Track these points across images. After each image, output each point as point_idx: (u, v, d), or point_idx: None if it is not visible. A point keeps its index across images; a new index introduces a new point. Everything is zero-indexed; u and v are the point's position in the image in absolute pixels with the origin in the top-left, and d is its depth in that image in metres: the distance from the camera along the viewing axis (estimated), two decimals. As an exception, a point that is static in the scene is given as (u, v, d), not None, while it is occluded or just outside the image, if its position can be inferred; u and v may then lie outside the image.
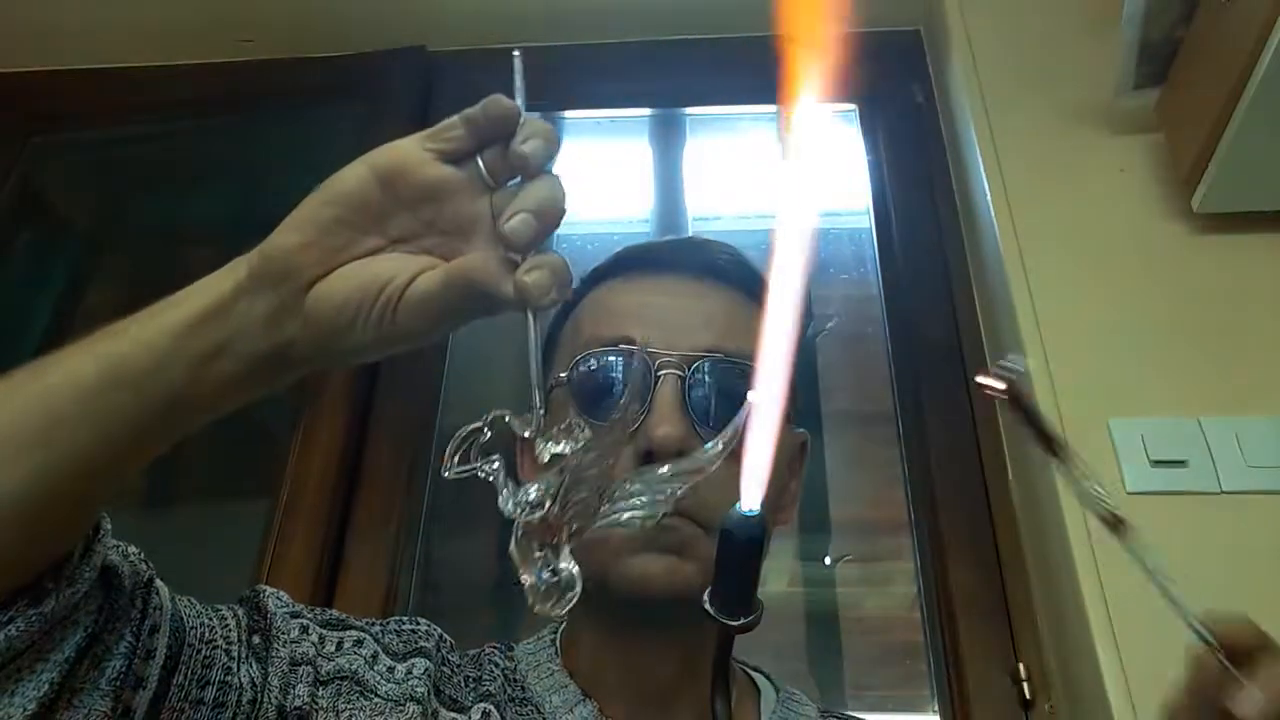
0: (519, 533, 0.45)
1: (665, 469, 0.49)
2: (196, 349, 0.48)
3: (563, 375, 0.72)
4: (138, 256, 1.79)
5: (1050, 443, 0.49)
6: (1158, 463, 1.03)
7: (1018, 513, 1.20)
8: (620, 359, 0.71)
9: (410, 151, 0.48)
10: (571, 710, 0.69)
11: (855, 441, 1.47)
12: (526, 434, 0.47)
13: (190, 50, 1.70)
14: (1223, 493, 1.01)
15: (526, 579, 0.45)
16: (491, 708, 0.68)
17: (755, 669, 0.80)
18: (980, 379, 0.49)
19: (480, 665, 0.72)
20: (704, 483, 0.62)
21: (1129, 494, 1.02)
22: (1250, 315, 1.12)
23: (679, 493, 0.48)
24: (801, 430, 0.80)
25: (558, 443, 0.46)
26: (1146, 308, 1.14)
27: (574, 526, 0.46)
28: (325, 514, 1.28)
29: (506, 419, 0.47)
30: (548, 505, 0.45)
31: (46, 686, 0.50)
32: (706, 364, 0.69)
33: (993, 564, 1.19)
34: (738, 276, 0.75)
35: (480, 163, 0.49)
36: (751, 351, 0.68)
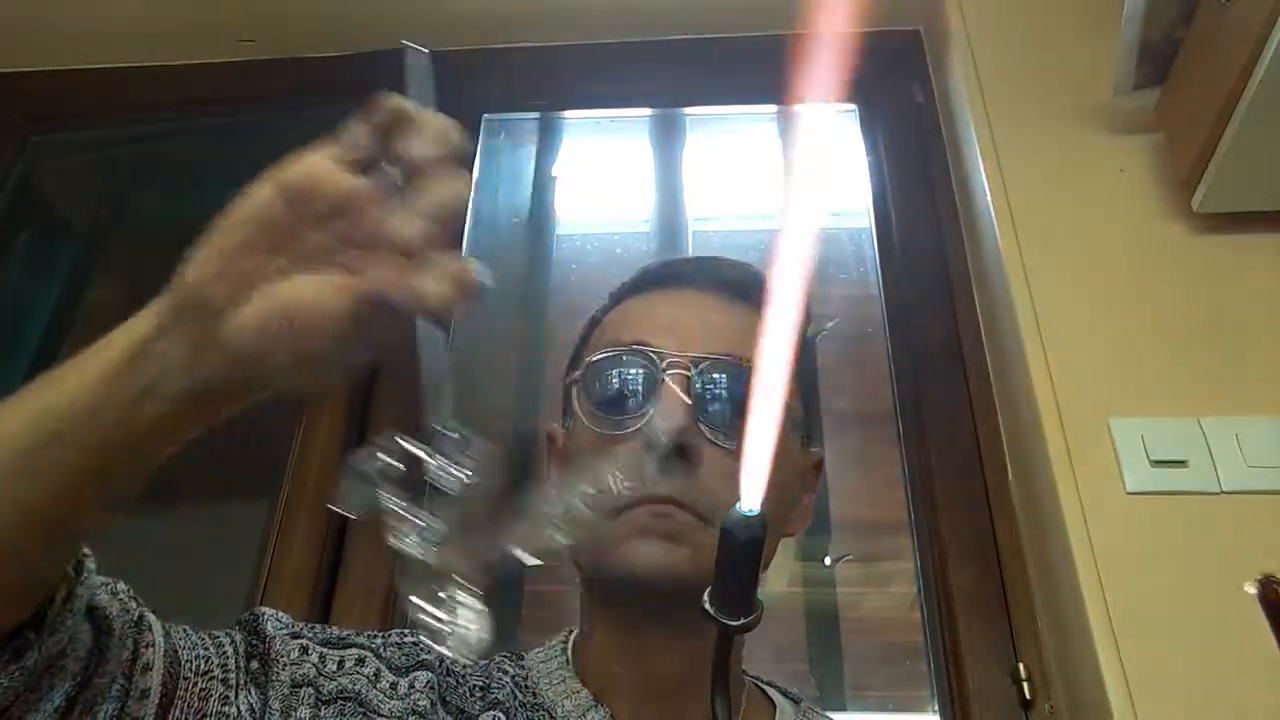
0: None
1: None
2: (122, 394, 0.46)
3: (576, 374, 0.75)
4: (138, 256, 1.78)
5: None
6: (1158, 463, 1.03)
7: (1018, 513, 1.20)
8: (631, 359, 0.73)
9: (316, 165, 0.46)
10: (584, 715, 0.69)
11: (855, 441, 1.47)
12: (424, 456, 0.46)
13: (190, 50, 1.70)
14: (1223, 493, 1.01)
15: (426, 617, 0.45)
16: (500, 715, 0.68)
17: (770, 683, 0.80)
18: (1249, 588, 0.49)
19: (489, 674, 0.72)
20: (705, 470, 0.67)
21: (1129, 494, 1.02)
22: (1250, 315, 1.12)
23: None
24: (818, 450, 0.81)
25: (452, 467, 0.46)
26: (1146, 308, 1.14)
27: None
28: (325, 514, 1.28)
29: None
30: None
31: None
32: (714, 365, 0.71)
33: (993, 564, 1.19)
34: (752, 293, 0.75)
35: (387, 169, 0.47)
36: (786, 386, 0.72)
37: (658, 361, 0.71)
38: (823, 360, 1.51)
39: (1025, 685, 1.10)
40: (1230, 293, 1.14)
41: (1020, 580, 1.16)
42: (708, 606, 0.48)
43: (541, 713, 0.69)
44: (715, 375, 0.71)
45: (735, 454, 0.64)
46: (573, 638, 0.77)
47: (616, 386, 0.73)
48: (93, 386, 0.46)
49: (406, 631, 0.73)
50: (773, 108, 1.73)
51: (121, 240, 1.84)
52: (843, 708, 1.28)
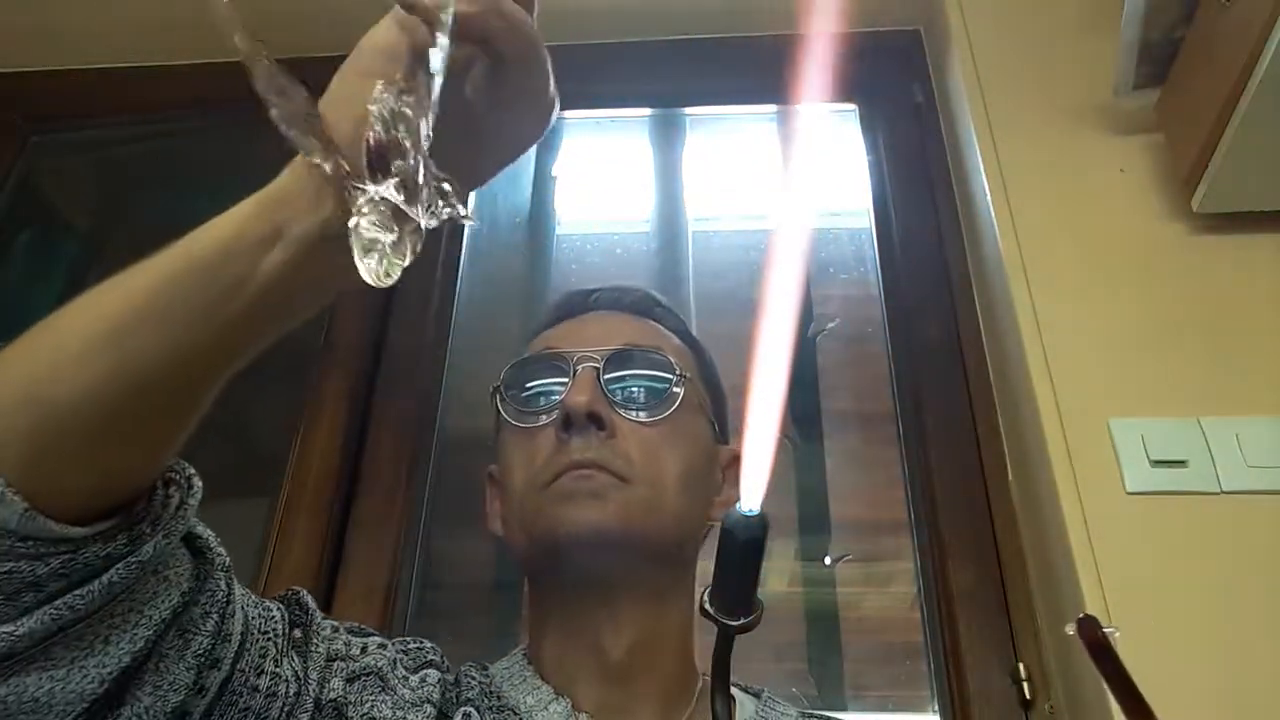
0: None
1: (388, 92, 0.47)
2: (256, 233, 0.48)
3: (497, 383, 0.82)
4: (138, 256, 1.78)
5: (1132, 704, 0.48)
6: (1158, 463, 1.03)
7: (1018, 513, 1.20)
8: (545, 361, 0.81)
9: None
10: (546, 708, 0.72)
11: (855, 441, 1.47)
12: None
13: (190, 50, 1.70)
14: (1223, 493, 1.01)
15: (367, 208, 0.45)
16: (473, 710, 0.71)
17: (739, 684, 0.82)
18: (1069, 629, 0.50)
19: (459, 681, 0.75)
20: (620, 439, 0.75)
21: (1129, 494, 1.02)
22: (1250, 315, 1.12)
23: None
24: (733, 446, 0.86)
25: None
26: (1146, 308, 1.14)
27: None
28: (325, 514, 1.28)
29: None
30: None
31: (141, 643, 0.52)
32: (620, 352, 0.79)
33: (993, 564, 1.19)
34: (654, 311, 0.87)
35: None
36: (661, 348, 0.80)
37: (569, 359, 0.79)
38: (823, 360, 1.51)
39: (1025, 685, 1.10)
40: (1230, 293, 1.14)
41: (1020, 580, 1.16)
42: (708, 607, 0.48)
43: (507, 712, 0.72)
44: (622, 361, 0.79)
45: (647, 426, 0.75)
46: (526, 648, 0.80)
47: (535, 384, 0.80)
48: (228, 230, 0.49)
49: (409, 639, 0.76)
50: (772, 108, 1.73)
51: (121, 240, 1.83)
52: (843, 708, 1.28)
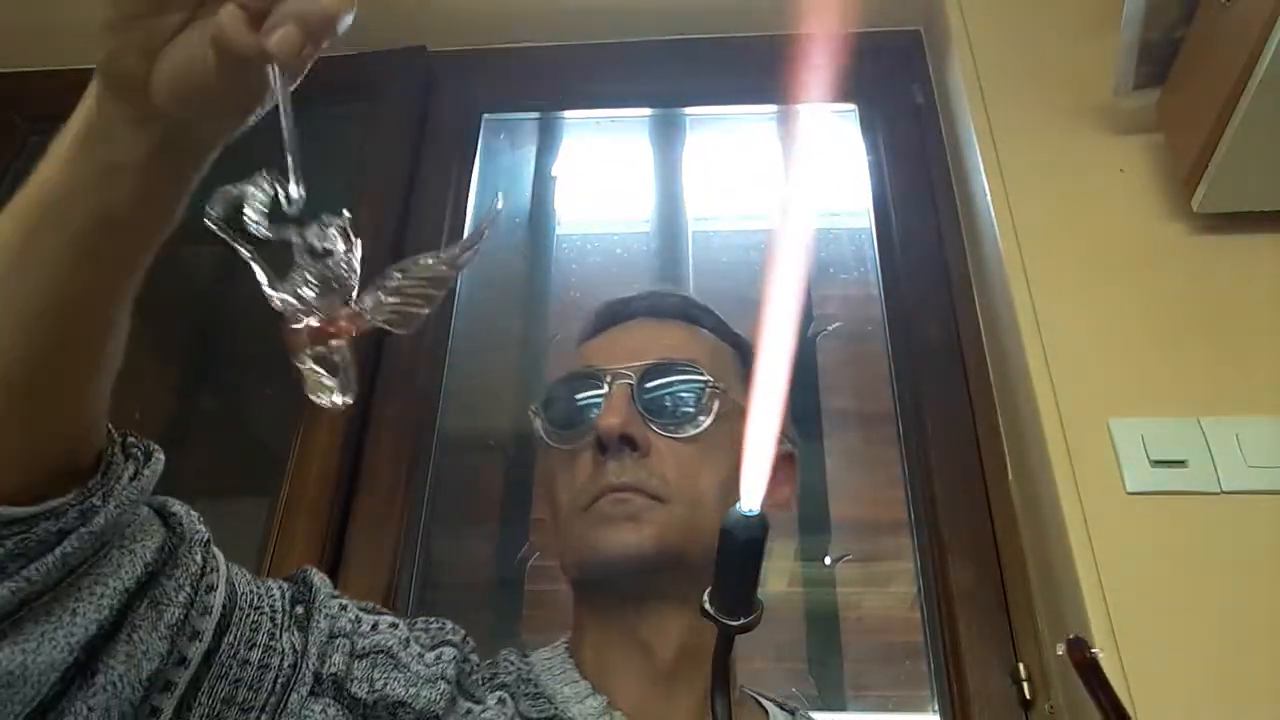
0: (293, 330, 0.49)
1: (398, 275, 0.52)
2: (90, 173, 0.49)
3: (536, 404, 0.83)
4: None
5: None
6: (1158, 463, 1.03)
7: (1018, 513, 1.20)
8: (581, 380, 0.80)
9: None
10: (583, 701, 0.73)
11: (855, 441, 1.47)
12: (286, 208, 0.49)
13: (190, 50, 1.70)
14: (1223, 493, 1.01)
15: (306, 368, 0.50)
16: (506, 695, 0.72)
17: (764, 695, 0.84)
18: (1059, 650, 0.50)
19: (495, 665, 0.76)
20: (656, 458, 0.75)
21: (1129, 494, 1.02)
22: (1250, 315, 1.12)
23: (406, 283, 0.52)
24: (784, 446, 0.85)
25: (319, 239, 0.49)
26: (1146, 308, 1.14)
27: (341, 323, 0.50)
28: (325, 514, 1.28)
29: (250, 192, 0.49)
30: (313, 307, 0.49)
31: (106, 611, 0.53)
32: (654, 368, 0.78)
33: (993, 564, 1.19)
34: (690, 313, 0.87)
35: None
36: (699, 360, 0.79)
37: (604, 376, 0.78)
38: (823, 360, 1.52)
39: (1025, 685, 1.10)
40: (1230, 293, 1.14)
41: (1020, 580, 1.16)
42: (707, 607, 0.48)
43: (543, 700, 0.73)
44: (656, 376, 0.78)
45: (683, 442, 0.75)
46: (570, 640, 0.81)
47: (570, 404, 0.80)
48: (61, 174, 0.50)
49: (431, 619, 0.77)
50: (773, 108, 1.73)
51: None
52: (843, 708, 1.28)
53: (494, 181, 1.73)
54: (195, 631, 0.58)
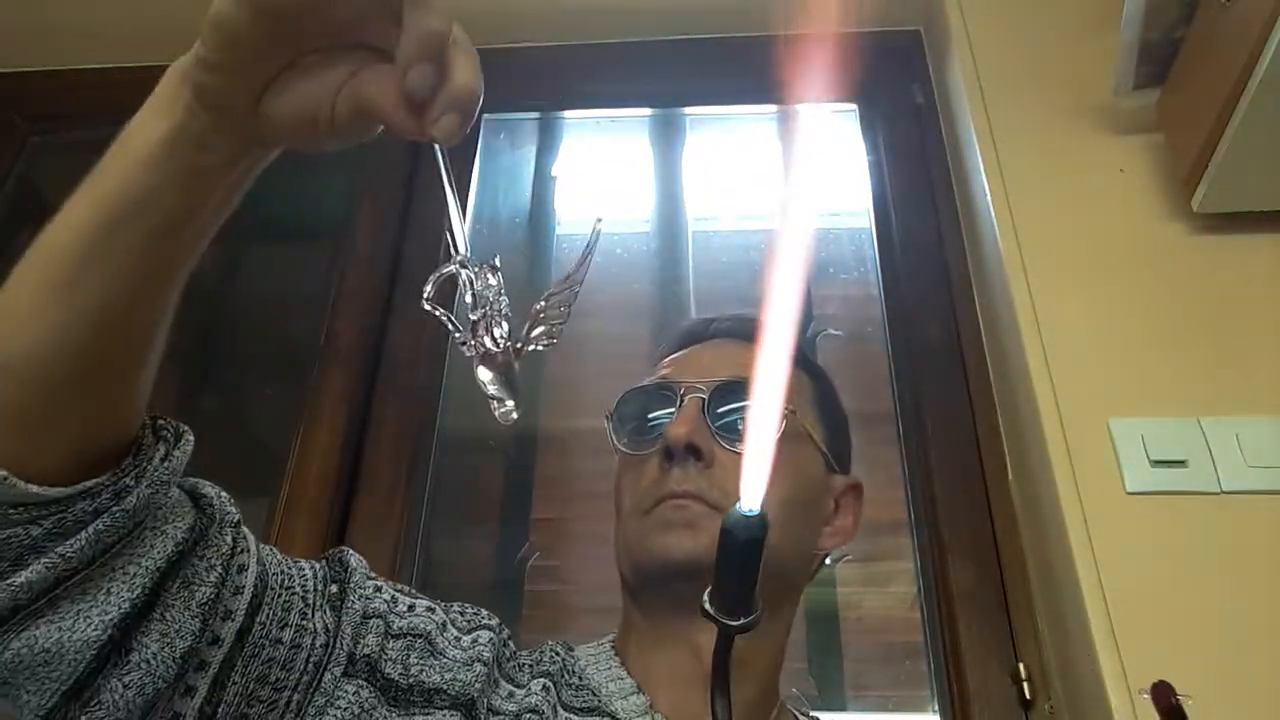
0: (478, 363, 0.57)
1: (541, 304, 0.59)
2: (175, 175, 0.50)
3: (610, 411, 0.86)
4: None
5: None
6: (1158, 463, 1.03)
7: (1018, 513, 1.20)
8: (655, 391, 0.84)
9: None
10: (626, 699, 0.74)
11: (855, 441, 1.47)
12: (450, 269, 0.56)
13: (190, 50, 1.70)
14: (1223, 493, 1.01)
15: (493, 390, 0.57)
16: (549, 683, 0.74)
17: (806, 713, 0.85)
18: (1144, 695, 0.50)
19: (540, 654, 0.78)
20: (719, 470, 0.77)
21: (1129, 494, 1.02)
22: (1250, 315, 1.12)
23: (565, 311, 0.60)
24: (852, 476, 0.90)
25: (479, 280, 0.56)
26: (1146, 308, 1.14)
27: (514, 349, 0.57)
28: (325, 514, 1.28)
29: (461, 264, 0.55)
30: (496, 344, 0.56)
31: (139, 590, 0.54)
32: (727, 384, 0.81)
33: (993, 564, 1.19)
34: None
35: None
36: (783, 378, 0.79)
37: (678, 389, 0.82)
38: (823, 360, 1.51)
39: (1025, 685, 1.10)
40: (1230, 293, 1.14)
41: (1020, 580, 1.16)
42: (707, 607, 0.48)
43: (586, 691, 0.74)
44: (728, 392, 0.80)
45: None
46: (615, 639, 0.83)
47: (643, 413, 0.84)
48: (144, 175, 0.50)
49: (467, 605, 0.78)
50: (773, 108, 1.73)
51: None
52: (843, 708, 1.29)
53: (494, 182, 1.73)
54: (228, 611, 0.59)
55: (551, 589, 1.48)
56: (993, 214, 1.25)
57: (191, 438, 0.59)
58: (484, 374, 0.57)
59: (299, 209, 1.66)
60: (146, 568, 0.54)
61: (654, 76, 1.68)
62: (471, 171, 1.60)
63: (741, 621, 0.48)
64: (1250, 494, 1.00)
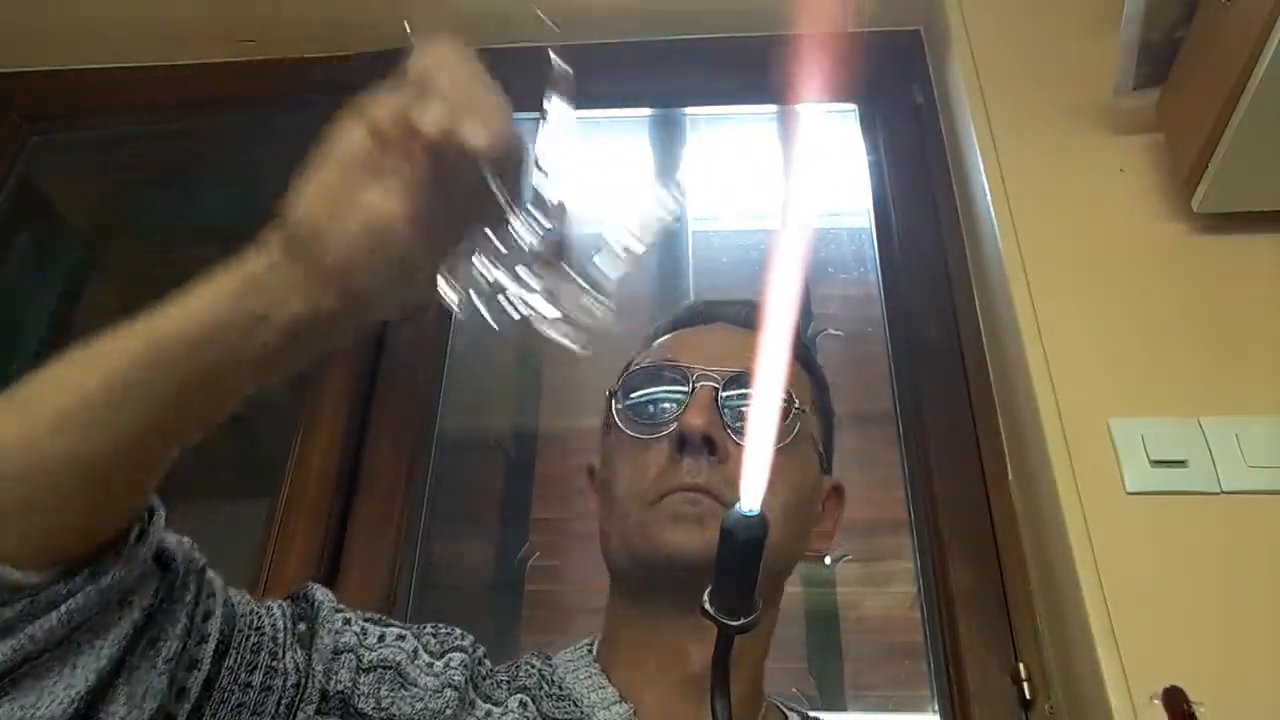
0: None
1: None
2: (235, 323, 0.50)
3: (615, 386, 0.81)
4: (138, 256, 1.78)
5: None
6: (1158, 463, 1.02)
7: (1018, 513, 1.20)
8: (666, 372, 0.80)
9: (398, 105, 0.52)
10: (609, 708, 0.72)
11: (855, 441, 1.47)
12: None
13: (190, 50, 1.70)
14: (1223, 493, 1.01)
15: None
16: (527, 699, 0.72)
17: (791, 705, 0.83)
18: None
19: (516, 669, 0.76)
20: (731, 466, 0.74)
21: (1129, 494, 1.02)
22: (1250, 315, 1.12)
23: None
24: (834, 478, 0.86)
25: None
26: (1146, 308, 1.14)
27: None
28: (325, 514, 1.28)
29: None
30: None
31: (105, 661, 0.52)
32: (739, 377, 0.77)
33: (993, 564, 1.19)
34: None
35: None
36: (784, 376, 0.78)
37: (689, 374, 0.77)
38: (823, 360, 1.51)
39: (1025, 685, 1.10)
40: (1230, 293, 1.14)
41: (1020, 580, 1.16)
42: (707, 606, 0.48)
43: (568, 702, 0.73)
44: (740, 385, 0.77)
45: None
46: (597, 642, 0.80)
47: (653, 394, 0.79)
48: (204, 318, 0.50)
49: (440, 625, 0.76)
50: (772, 108, 1.73)
51: (121, 240, 1.83)
52: (843, 708, 1.28)
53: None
54: (193, 660, 0.58)
55: (551, 589, 1.48)
56: (993, 214, 1.25)
57: (163, 511, 0.58)
58: (544, 301, 0.53)
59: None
60: (113, 639, 0.53)
61: (654, 76, 1.69)
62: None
63: (742, 621, 0.48)
64: (1250, 494, 1.00)
